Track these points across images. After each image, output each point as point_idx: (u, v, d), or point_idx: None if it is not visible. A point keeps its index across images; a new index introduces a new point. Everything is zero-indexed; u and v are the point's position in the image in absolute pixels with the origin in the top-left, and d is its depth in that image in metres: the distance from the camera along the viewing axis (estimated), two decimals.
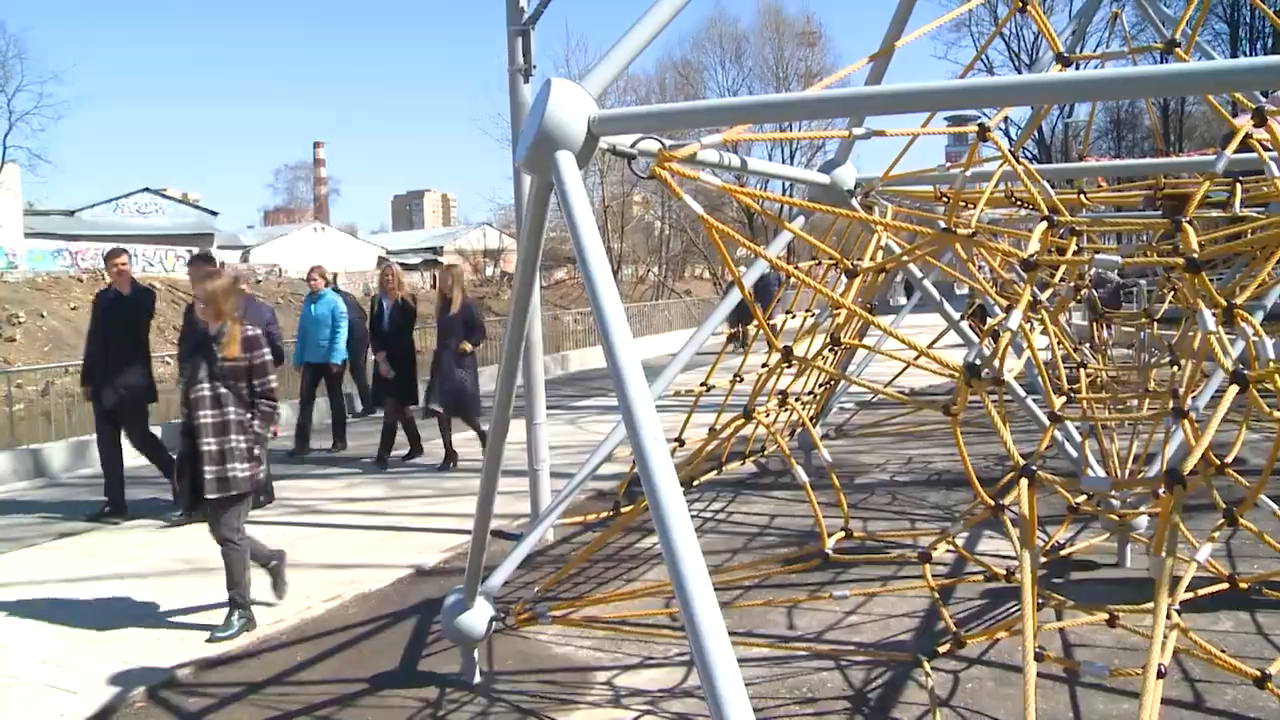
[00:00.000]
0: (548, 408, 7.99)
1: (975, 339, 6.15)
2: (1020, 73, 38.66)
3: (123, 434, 8.89)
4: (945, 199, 5.91)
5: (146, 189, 68.29)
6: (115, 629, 6.04)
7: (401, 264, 71.04)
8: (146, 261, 55.77)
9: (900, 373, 8.94)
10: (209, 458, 5.73)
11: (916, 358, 4.76)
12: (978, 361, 4.12)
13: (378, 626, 6.00)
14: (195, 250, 60.72)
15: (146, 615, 6.30)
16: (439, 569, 7.07)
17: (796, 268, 4.60)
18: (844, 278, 4.99)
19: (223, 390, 5.84)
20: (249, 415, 5.93)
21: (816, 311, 7.74)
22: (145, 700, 5.10)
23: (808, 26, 56.97)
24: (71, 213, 64.73)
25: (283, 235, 74.48)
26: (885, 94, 3.10)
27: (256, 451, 5.93)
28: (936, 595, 5.08)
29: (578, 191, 3.05)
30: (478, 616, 4.93)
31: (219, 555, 5.88)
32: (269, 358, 6.10)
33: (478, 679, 5.03)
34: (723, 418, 6.82)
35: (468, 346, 10.41)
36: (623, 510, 6.02)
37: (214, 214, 69.84)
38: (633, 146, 3.46)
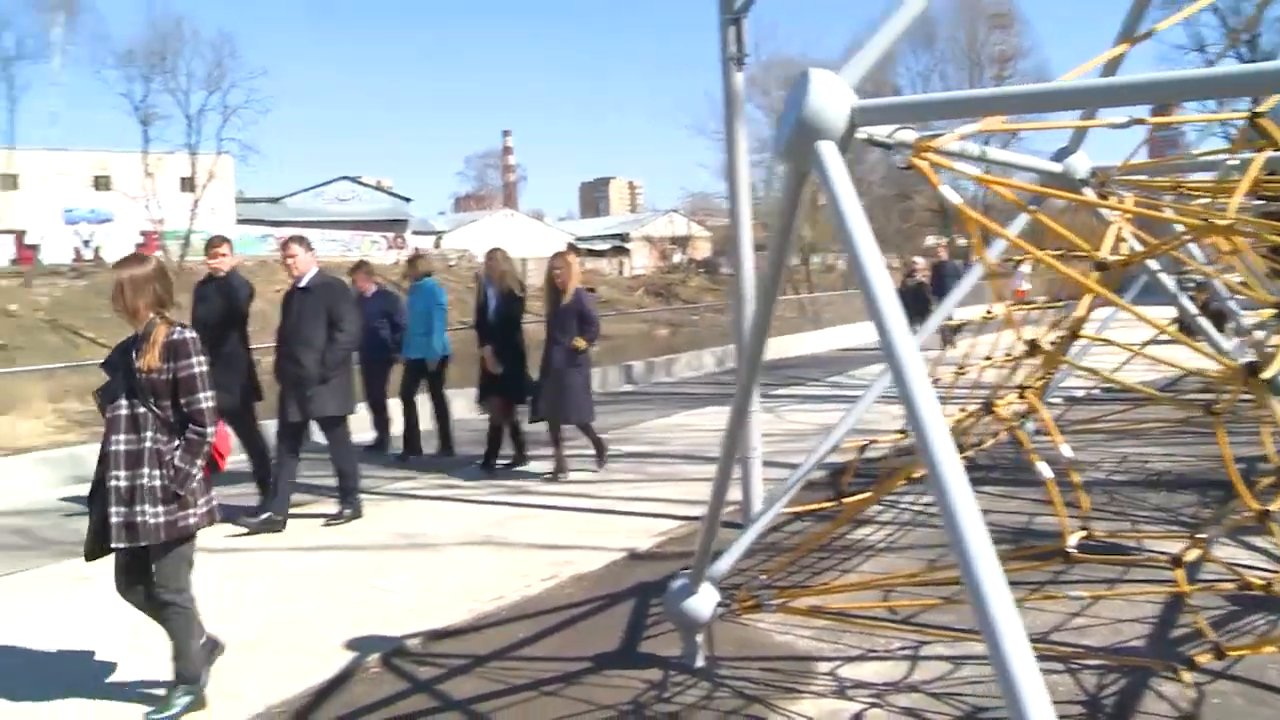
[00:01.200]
0: None
1: (1216, 336, 5.87)
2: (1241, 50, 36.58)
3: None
4: (1180, 189, 5.65)
5: (345, 177, 71.27)
6: (345, 598, 6.36)
7: (589, 250, 72.41)
8: (344, 246, 58.10)
9: (1119, 367, 8.61)
10: (116, 496, 4.51)
11: (1136, 351, 4.57)
12: (1254, 359, 3.93)
13: (595, 607, 6.12)
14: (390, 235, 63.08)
15: (369, 586, 6.60)
16: (651, 553, 7.17)
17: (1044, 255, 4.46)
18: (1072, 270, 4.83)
19: (141, 410, 4.59)
20: (173, 444, 4.63)
21: (1046, 302, 7.51)
22: (379, 666, 5.34)
23: (1001, 8, 55.24)
24: (277, 200, 67.96)
25: (473, 221, 76.51)
26: (1166, 81, 2.98)
27: (181, 491, 4.58)
28: (1189, 601, 4.89)
29: (842, 180, 3.04)
30: (704, 601, 4.98)
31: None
32: (199, 369, 4.65)
33: (700, 663, 5.08)
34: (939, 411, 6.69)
35: (581, 344, 9.40)
36: (849, 500, 5.96)
37: (408, 200, 72.42)
38: (889, 136, 3.44)
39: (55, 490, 9.94)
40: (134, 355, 4.64)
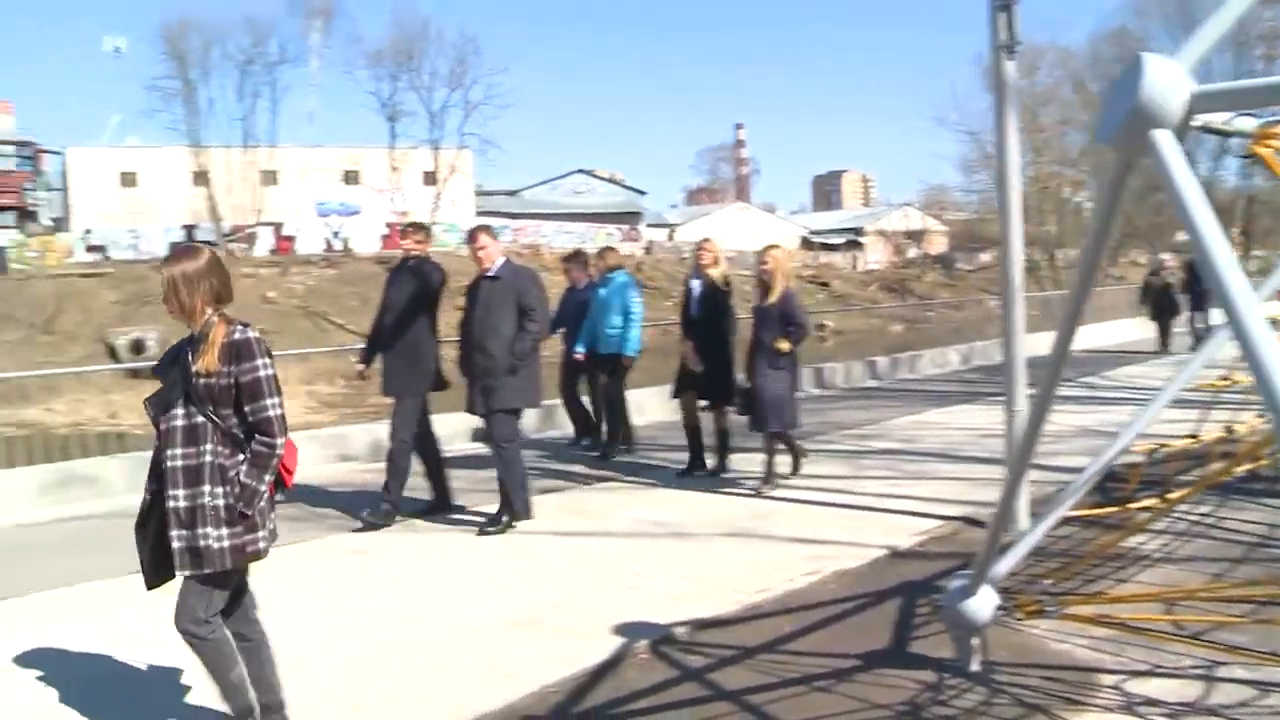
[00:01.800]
0: (991, 395, 7.74)
1: None
2: None
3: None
4: None
5: (580, 170, 73.02)
6: (605, 583, 6.50)
7: (823, 244, 71.87)
8: (579, 238, 59.44)
9: None
10: (175, 518, 3.99)
11: None
12: None
13: (859, 604, 6.05)
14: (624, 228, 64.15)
15: (629, 573, 6.70)
16: (914, 551, 7.05)
17: None
18: None
19: (199, 420, 4.04)
20: (237, 458, 4.07)
21: None
22: (648, 652, 5.41)
23: None
24: (514, 193, 70.22)
25: (706, 215, 77.14)
26: None
27: (248, 510, 4.03)
28: None
29: (1182, 170, 2.89)
30: (983, 603, 4.84)
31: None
32: (265, 373, 4.08)
33: (976, 667, 4.94)
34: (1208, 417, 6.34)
35: (785, 345, 8.73)
36: (1133, 506, 5.69)
37: (642, 193, 73.58)
38: (1225, 124, 3.25)
39: (321, 466, 10.47)
40: (190, 358, 4.06)
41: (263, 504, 4.09)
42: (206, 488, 3.98)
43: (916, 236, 71.94)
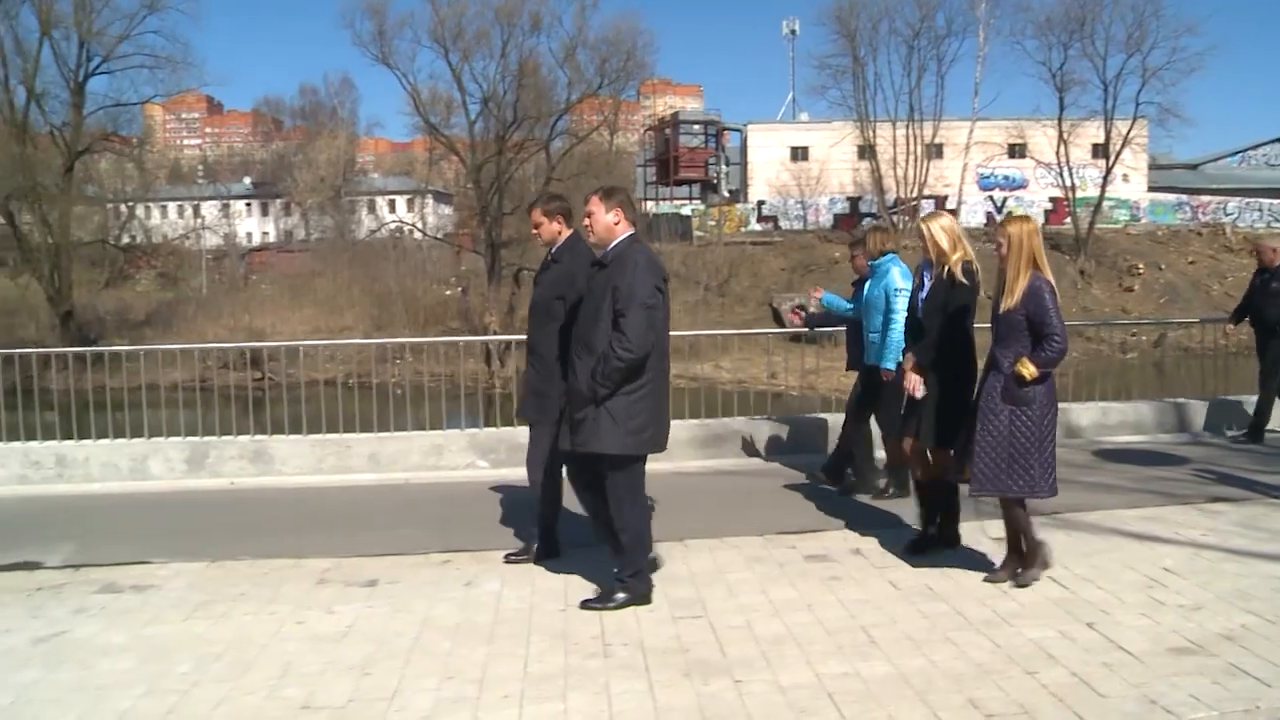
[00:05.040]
0: None
1: None
2: None
3: None
4: None
5: (1276, 140, 64.86)
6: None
7: None
8: (1273, 216, 53.23)
9: None
10: None
11: None
12: None
13: None
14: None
15: None
16: None
17: None
18: None
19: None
20: None
21: None
22: None
23: None
24: (1194, 166, 64.27)
25: None
26: None
27: None
28: None
29: None
30: None
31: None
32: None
33: None
34: None
35: (1028, 370, 5.66)
36: None
37: None
38: None
39: None
40: None
41: None
42: None
43: None
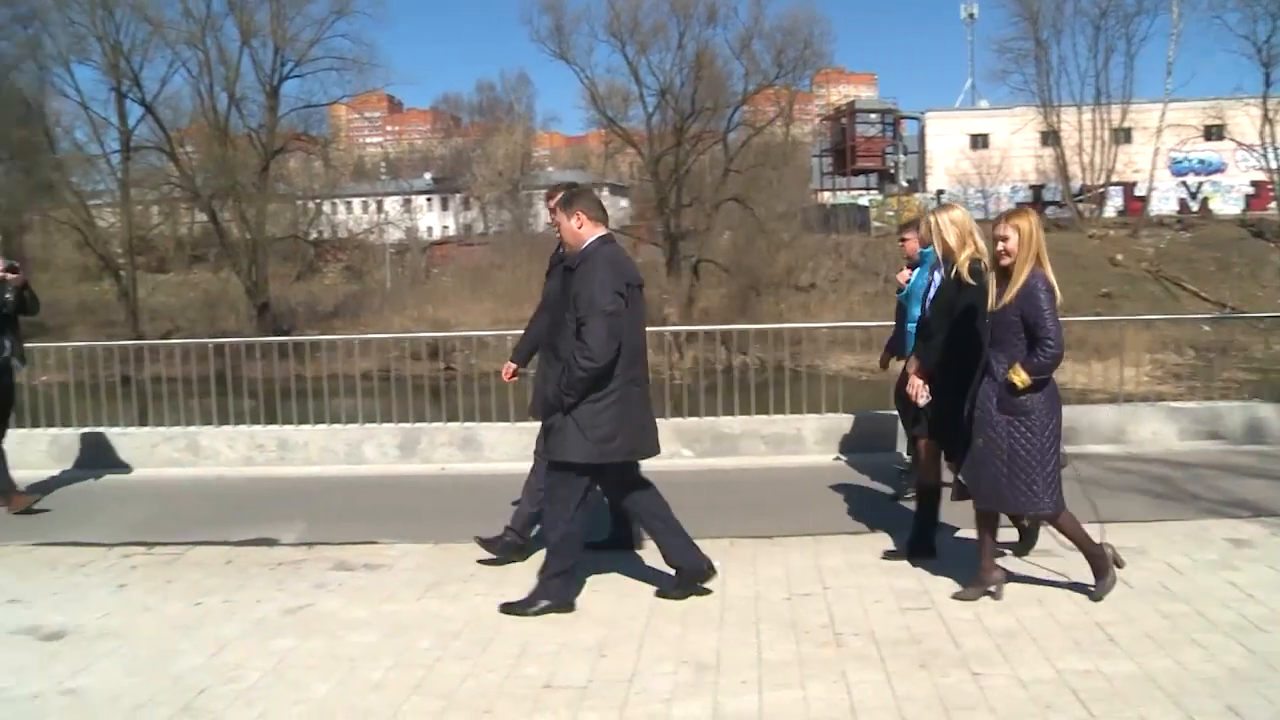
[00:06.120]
0: None
1: None
2: None
3: None
4: None
5: None
6: None
7: None
8: None
9: None
10: None
11: None
12: None
13: None
14: None
15: None
16: None
17: None
18: None
19: None
20: None
21: None
22: None
23: None
24: None
25: None
26: None
27: None
28: None
29: None
30: None
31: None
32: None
33: None
34: None
35: (1021, 377, 5.21)
36: None
37: None
38: None
39: (1187, 443, 9.60)
40: None
41: None
42: None
43: None
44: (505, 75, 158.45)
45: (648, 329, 6.02)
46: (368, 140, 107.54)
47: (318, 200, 56.36)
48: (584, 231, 5.45)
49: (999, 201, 53.12)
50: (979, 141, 57.67)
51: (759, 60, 50.56)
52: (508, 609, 5.47)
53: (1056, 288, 5.25)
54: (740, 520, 7.12)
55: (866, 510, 7.48)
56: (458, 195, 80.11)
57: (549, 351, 5.57)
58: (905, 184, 59.43)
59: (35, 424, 10.42)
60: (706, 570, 5.65)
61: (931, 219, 6.05)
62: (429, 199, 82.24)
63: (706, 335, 12.78)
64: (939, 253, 6.00)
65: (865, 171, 61.28)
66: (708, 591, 5.64)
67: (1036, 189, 53.73)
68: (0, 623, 5.55)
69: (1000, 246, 5.31)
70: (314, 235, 56.72)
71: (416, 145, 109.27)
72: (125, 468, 9.71)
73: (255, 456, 9.78)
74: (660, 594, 5.66)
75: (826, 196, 59.16)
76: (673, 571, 5.71)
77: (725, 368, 12.30)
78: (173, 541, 7.07)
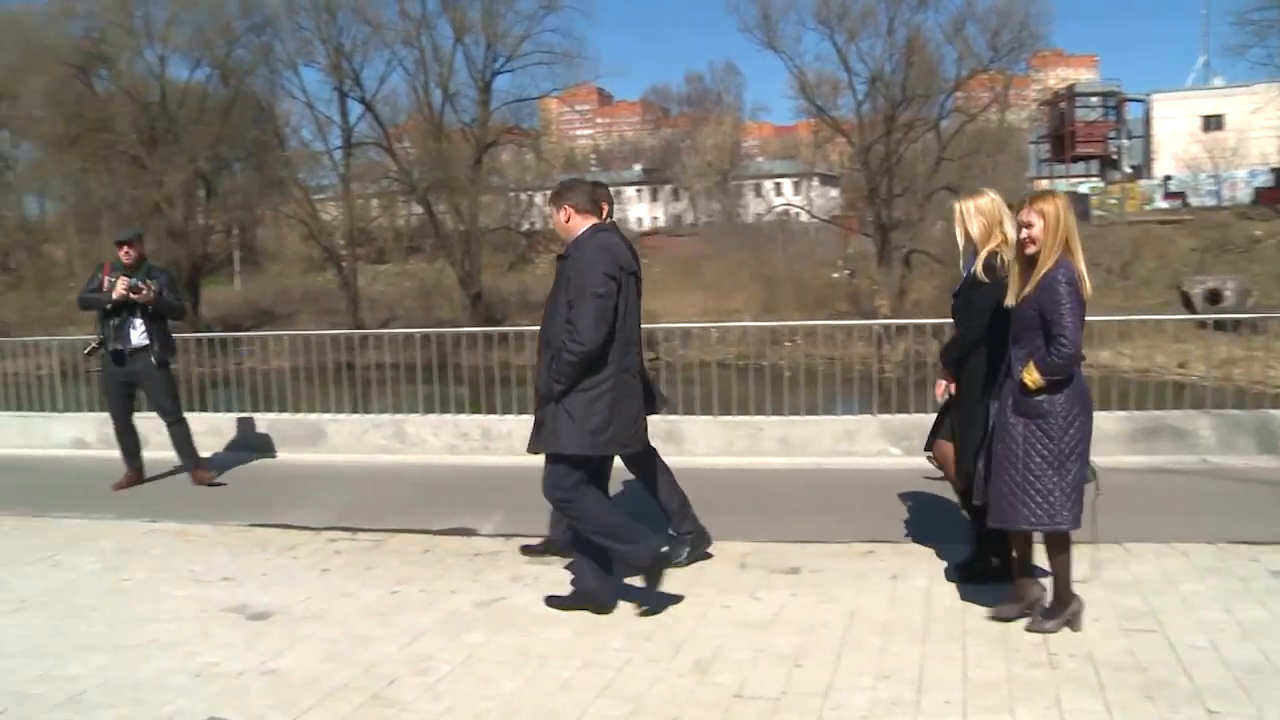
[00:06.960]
0: None
1: None
2: None
3: None
4: None
5: None
6: None
7: None
8: None
9: None
10: None
11: None
12: None
13: None
14: None
15: None
16: None
17: None
18: None
19: None
20: None
21: None
22: None
23: None
24: None
25: None
26: None
27: None
28: None
29: None
30: None
31: None
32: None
33: None
34: None
35: (1033, 378, 4.72)
36: None
37: None
38: None
39: None
40: None
41: None
42: None
43: None
44: (713, 65, 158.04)
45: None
46: (578, 133, 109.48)
47: (529, 192, 57.60)
48: (572, 224, 5.43)
49: (1234, 186, 49.76)
50: (1212, 123, 54.08)
51: (972, 44, 48.61)
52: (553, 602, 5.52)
53: (1085, 279, 4.74)
54: (950, 524, 6.68)
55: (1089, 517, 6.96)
56: (667, 186, 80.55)
57: (542, 342, 5.44)
58: (1129, 170, 56.48)
59: (256, 408, 10.89)
60: (598, 607, 5.41)
61: (957, 206, 5.59)
62: (639, 190, 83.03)
63: (917, 328, 12.29)
64: (960, 243, 5.58)
65: (1085, 158, 58.61)
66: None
67: (1279, 172, 50.04)
68: (215, 600, 5.76)
69: (1024, 234, 4.79)
70: (526, 226, 57.99)
71: (626, 137, 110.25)
72: (336, 453, 10.03)
73: (459, 445, 9.92)
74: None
75: (1044, 184, 56.74)
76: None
77: (936, 362, 11.78)
78: (375, 528, 7.22)
